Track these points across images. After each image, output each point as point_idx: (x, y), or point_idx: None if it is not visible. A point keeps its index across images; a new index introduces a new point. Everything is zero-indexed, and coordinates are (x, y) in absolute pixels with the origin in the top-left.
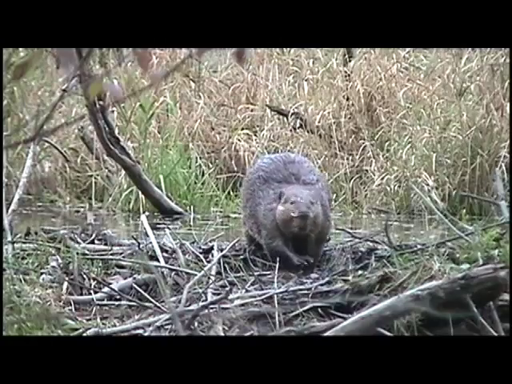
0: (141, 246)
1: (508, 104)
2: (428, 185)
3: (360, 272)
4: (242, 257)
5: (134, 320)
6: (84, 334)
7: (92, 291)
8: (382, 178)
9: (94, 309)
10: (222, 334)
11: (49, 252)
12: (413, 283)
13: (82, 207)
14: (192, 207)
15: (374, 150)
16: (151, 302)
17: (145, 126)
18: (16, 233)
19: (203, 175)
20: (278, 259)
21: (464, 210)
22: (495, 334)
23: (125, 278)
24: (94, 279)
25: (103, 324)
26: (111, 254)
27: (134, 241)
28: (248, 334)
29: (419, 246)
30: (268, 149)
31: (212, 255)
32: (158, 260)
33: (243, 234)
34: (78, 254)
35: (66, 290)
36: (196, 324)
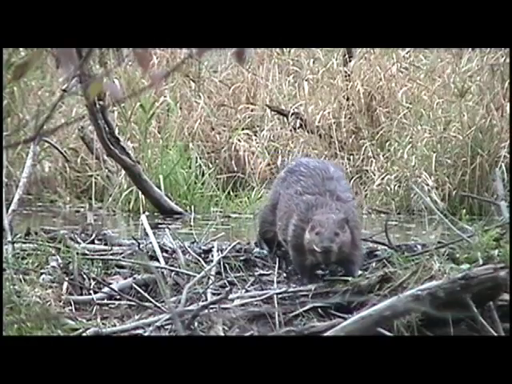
0: (141, 246)
1: (508, 104)
2: (428, 185)
3: (360, 272)
4: (242, 257)
5: (134, 320)
6: (84, 334)
7: (92, 291)
8: (382, 178)
9: (94, 309)
10: (222, 334)
11: (49, 252)
12: (413, 283)
13: (82, 207)
14: (192, 207)
15: (374, 150)
16: (151, 302)
17: (145, 126)
18: (16, 233)
19: (203, 175)
20: (277, 260)
21: (464, 210)
22: (495, 334)
23: (125, 278)
24: (94, 279)
25: (103, 324)
26: (111, 254)
27: (133, 241)
28: (248, 334)
29: (419, 247)
30: (268, 149)
31: (212, 255)
32: (158, 260)
33: (258, 231)
34: (77, 253)
35: (66, 289)
36: (196, 324)
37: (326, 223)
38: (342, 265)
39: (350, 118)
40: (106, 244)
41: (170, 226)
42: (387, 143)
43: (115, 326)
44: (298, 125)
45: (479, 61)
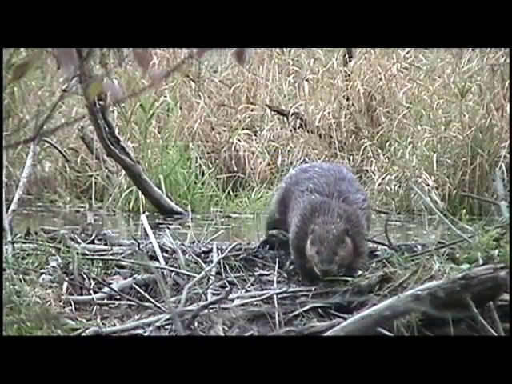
0: (141, 246)
1: (508, 104)
2: (428, 185)
3: (360, 272)
4: (242, 257)
5: (134, 320)
6: (84, 334)
7: (92, 291)
8: (383, 178)
9: (94, 309)
10: (222, 334)
11: (49, 252)
12: (413, 283)
13: (82, 207)
14: (192, 207)
15: (374, 150)
16: (151, 302)
17: (145, 126)
18: (16, 233)
19: (203, 175)
20: (277, 260)
21: (464, 210)
22: (495, 334)
23: (125, 278)
24: (94, 279)
25: (103, 324)
26: (111, 254)
27: (133, 241)
28: (248, 334)
29: (419, 247)
30: (268, 149)
31: (212, 255)
32: (158, 260)
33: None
34: (78, 253)
35: (66, 290)
36: (196, 324)
37: (326, 240)
38: (344, 269)
39: (350, 118)
40: (105, 244)
41: (170, 226)
42: (387, 143)
43: (115, 325)
44: (298, 125)
45: (479, 61)
